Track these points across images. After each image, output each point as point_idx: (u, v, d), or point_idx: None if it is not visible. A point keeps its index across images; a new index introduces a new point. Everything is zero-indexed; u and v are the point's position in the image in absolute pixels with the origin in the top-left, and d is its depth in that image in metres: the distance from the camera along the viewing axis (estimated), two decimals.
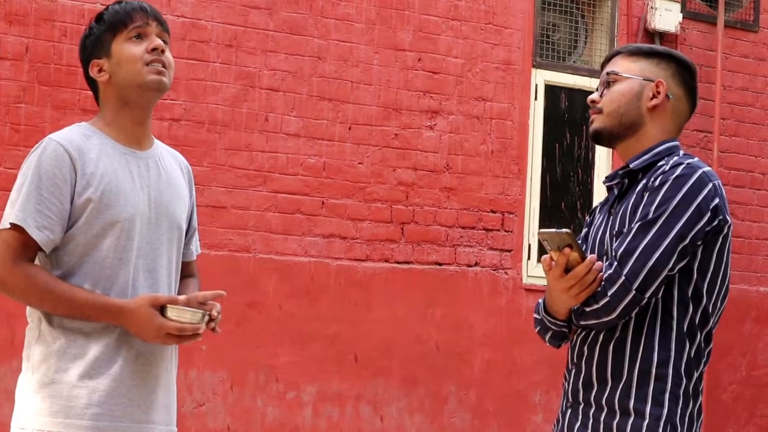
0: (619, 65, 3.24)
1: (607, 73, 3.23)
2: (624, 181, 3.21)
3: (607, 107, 3.20)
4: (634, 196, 3.11)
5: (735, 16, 9.44)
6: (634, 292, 2.99)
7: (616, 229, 3.12)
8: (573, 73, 8.91)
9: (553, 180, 8.79)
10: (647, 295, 3.01)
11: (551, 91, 8.81)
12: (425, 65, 8.29)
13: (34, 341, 3.09)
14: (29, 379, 3.08)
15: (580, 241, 3.24)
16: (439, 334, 8.20)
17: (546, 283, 3.14)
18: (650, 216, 3.02)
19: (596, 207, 3.35)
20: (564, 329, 3.20)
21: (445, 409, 8.19)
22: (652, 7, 8.95)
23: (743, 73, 9.45)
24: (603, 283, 3.02)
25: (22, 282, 3.02)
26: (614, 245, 3.07)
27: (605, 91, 3.22)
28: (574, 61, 9.02)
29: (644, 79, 3.19)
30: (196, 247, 3.38)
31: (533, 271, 8.50)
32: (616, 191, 3.23)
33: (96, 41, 3.20)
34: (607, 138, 3.23)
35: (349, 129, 8.02)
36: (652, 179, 3.08)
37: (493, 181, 8.44)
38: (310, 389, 7.78)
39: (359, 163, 8.03)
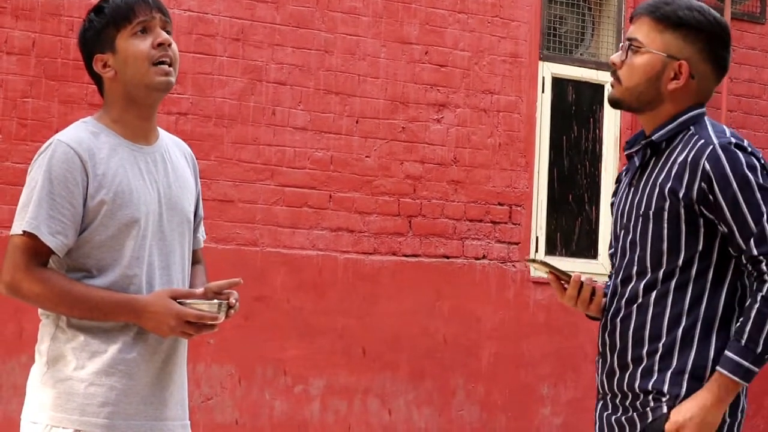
0: (644, 32, 3.06)
1: (630, 39, 3.06)
2: (646, 152, 3.07)
3: (626, 81, 3.06)
4: (663, 174, 2.99)
5: (742, 8, 9.42)
6: None
7: (643, 207, 3.01)
8: (580, 66, 8.90)
9: (560, 172, 8.79)
10: None
11: (558, 83, 8.80)
12: (432, 58, 8.28)
13: (49, 337, 3.08)
14: (43, 374, 3.07)
15: (612, 209, 3.20)
16: (446, 328, 8.19)
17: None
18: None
19: (621, 173, 3.22)
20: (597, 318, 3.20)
21: (453, 402, 8.19)
22: None
23: (750, 65, 9.43)
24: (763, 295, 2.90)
25: (37, 288, 3.01)
26: (745, 246, 2.92)
27: (627, 57, 3.07)
28: (581, 54, 9.01)
29: (667, 56, 3.04)
30: (202, 234, 3.35)
31: None
32: (637, 161, 3.10)
33: (97, 35, 3.12)
34: (624, 108, 3.12)
35: (357, 122, 8.02)
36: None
37: (500, 174, 8.44)
38: (318, 383, 7.78)
39: (366, 157, 8.03)
